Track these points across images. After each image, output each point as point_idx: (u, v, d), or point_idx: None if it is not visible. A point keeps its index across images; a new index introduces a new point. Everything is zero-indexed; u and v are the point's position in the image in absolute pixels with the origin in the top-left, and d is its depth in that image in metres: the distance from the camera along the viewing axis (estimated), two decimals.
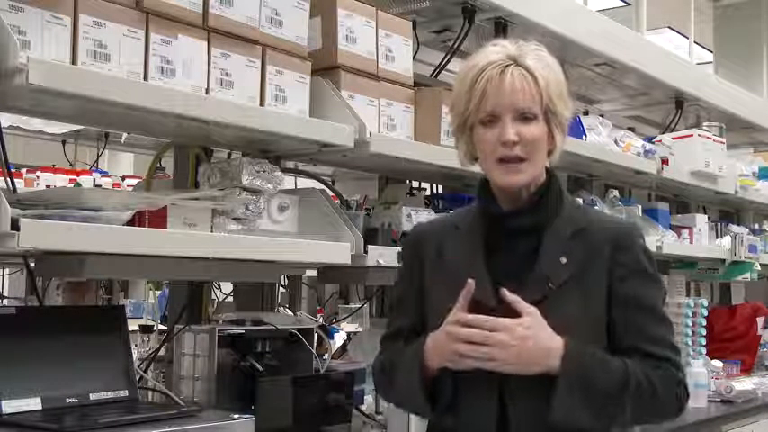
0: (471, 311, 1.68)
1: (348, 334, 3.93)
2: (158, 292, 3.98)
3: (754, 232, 4.96)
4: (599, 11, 5.38)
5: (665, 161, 3.91)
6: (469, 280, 1.69)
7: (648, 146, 3.88)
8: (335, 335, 3.61)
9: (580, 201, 3.39)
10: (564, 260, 1.72)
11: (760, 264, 4.73)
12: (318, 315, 3.98)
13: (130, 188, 4.60)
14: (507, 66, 1.71)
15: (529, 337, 1.64)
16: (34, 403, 1.85)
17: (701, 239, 4.46)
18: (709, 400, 3.72)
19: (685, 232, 4.33)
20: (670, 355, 1.74)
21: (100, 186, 5.21)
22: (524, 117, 1.71)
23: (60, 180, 5.46)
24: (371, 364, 1.96)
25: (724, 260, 4.54)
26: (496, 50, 1.74)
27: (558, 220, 1.77)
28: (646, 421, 1.80)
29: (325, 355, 2.56)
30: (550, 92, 1.72)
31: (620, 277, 1.74)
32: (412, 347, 1.79)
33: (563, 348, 1.65)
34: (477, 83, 1.72)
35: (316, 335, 2.51)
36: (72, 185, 5.23)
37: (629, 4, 9.14)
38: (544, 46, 1.79)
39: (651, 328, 1.74)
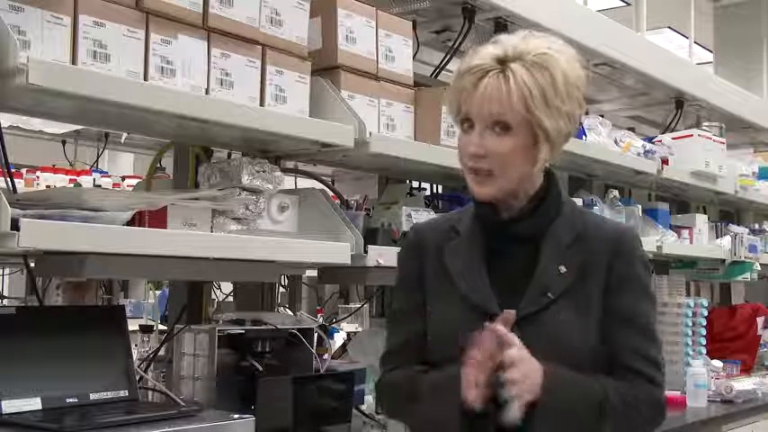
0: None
1: (348, 334, 3.94)
2: (158, 292, 3.99)
3: (754, 232, 4.95)
4: (599, 11, 5.37)
5: (665, 161, 3.91)
6: (506, 311, 1.61)
7: (648, 146, 3.88)
8: (335, 335, 3.62)
9: (580, 201, 3.39)
10: (563, 269, 1.68)
11: (760, 264, 4.73)
12: (318, 315, 3.99)
13: (130, 188, 4.60)
14: (489, 71, 1.63)
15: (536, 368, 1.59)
16: (34, 403, 1.85)
17: (701, 239, 4.45)
18: (709, 400, 3.71)
19: (685, 232, 4.32)
20: (653, 374, 1.71)
21: (100, 186, 5.21)
22: (498, 127, 1.62)
23: (60, 180, 5.46)
24: (372, 369, 1.91)
25: (724, 260, 4.53)
26: (488, 51, 1.66)
27: (556, 225, 1.73)
28: None
29: (325, 355, 2.56)
30: (531, 102, 1.60)
31: (615, 287, 1.71)
32: (437, 381, 1.68)
33: (542, 377, 1.58)
34: (456, 86, 1.68)
35: (316, 335, 2.51)
36: (72, 185, 5.23)
37: (629, 4, 9.14)
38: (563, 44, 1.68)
39: (639, 345, 1.71)
